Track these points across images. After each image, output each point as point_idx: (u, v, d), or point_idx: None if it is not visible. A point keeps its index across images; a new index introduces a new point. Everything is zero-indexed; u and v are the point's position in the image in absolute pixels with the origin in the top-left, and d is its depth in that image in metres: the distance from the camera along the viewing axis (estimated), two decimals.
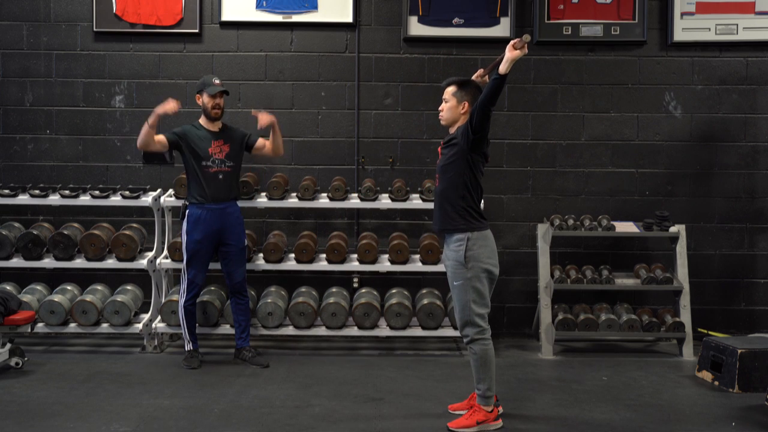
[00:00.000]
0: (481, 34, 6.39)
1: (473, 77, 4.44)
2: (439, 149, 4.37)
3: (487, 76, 4.29)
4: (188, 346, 5.47)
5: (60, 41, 6.47)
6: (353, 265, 5.95)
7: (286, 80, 6.48)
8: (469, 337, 4.13)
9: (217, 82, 5.45)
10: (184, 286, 5.44)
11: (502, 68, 3.92)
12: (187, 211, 5.41)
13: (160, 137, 5.35)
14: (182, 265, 5.47)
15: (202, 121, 5.48)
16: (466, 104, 4.24)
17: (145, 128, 5.27)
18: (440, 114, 4.35)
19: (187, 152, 5.40)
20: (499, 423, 4.22)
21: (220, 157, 5.43)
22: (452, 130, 4.31)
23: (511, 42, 3.93)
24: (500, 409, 4.35)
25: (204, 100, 5.43)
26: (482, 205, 5.90)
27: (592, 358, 5.86)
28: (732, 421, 4.37)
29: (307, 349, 6.02)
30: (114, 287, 6.12)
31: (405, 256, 5.87)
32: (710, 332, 6.17)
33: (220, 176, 5.43)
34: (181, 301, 5.45)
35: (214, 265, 5.79)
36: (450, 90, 4.29)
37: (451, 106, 4.28)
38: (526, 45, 3.92)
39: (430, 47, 6.46)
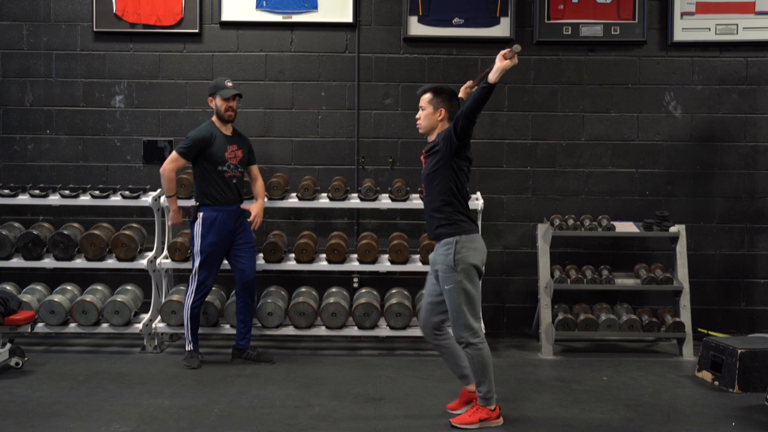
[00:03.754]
0: (481, 34, 6.39)
1: (462, 88, 4.46)
2: (422, 158, 4.34)
3: (475, 87, 4.27)
4: (189, 347, 5.45)
5: (60, 41, 6.47)
6: (353, 265, 5.95)
7: (286, 80, 6.48)
8: (464, 341, 4.14)
9: (230, 84, 5.45)
10: (193, 287, 5.40)
11: (492, 77, 3.92)
12: (200, 213, 5.37)
13: (181, 162, 5.36)
14: (193, 267, 5.40)
15: (216, 123, 5.46)
16: (443, 111, 4.22)
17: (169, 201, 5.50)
18: (417, 122, 4.33)
19: (203, 158, 5.36)
20: (500, 421, 4.24)
21: (234, 162, 5.44)
22: (431, 138, 4.29)
23: (502, 52, 3.94)
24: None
25: (217, 102, 5.41)
26: (481, 204, 5.93)
27: (592, 358, 5.86)
28: (732, 421, 4.37)
29: (307, 349, 6.02)
30: (114, 287, 6.12)
31: (405, 256, 5.87)
32: (710, 332, 6.17)
33: (234, 181, 5.45)
34: (188, 302, 5.41)
35: None
36: (426, 97, 4.27)
37: (427, 114, 4.25)
38: (516, 55, 3.94)
39: (430, 47, 6.46)
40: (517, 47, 3.93)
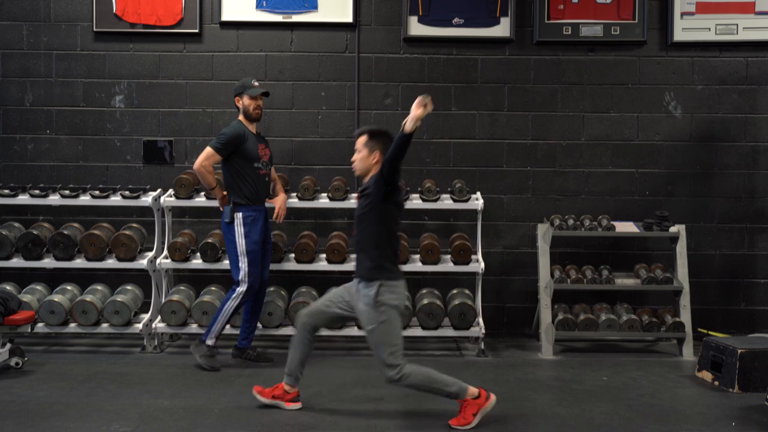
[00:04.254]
0: (481, 34, 6.39)
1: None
2: (356, 197, 4.38)
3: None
4: (211, 341, 5.36)
5: (60, 41, 6.47)
6: (353, 265, 5.92)
7: (286, 80, 6.48)
8: (392, 379, 4.18)
9: (257, 84, 5.48)
10: (243, 288, 5.32)
11: (408, 126, 3.93)
12: (240, 213, 5.34)
13: (216, 158, 5.30)
14: (241, 268, 5.31)
15: (244, 122, 5.45)
16: (378, 153, 4.25)
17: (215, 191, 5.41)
18: (353, 165, 4.37)
19: (239, 155, 5.33)
20: (493, 399, 4.21)
21: (265, 159, 5.48)
22: (366, 180, 4.34)
23: (417, 100, 3.96)
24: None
25: (245, 102, 5.43)
26: (481, 203, 5.92)
27: (592, 358, 5.86)
28: (732, 421, 4.37)
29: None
30: (114, 287, 6.12)
31: (405, 256, 5.86)
32: (710, 332, 6.17)
33: (266, 178, 5.50)
34: (234, 303, 5.32)
35: (216, 266, 5.81)
36: (361, 140, 4.32)
37: (363, 157, 4.30)
38: (429, 102, 3.96)
39: (430, 47, 6.46)
40: (427, 95, 3.96)
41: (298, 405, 4.50)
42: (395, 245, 4.28)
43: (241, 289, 5.33)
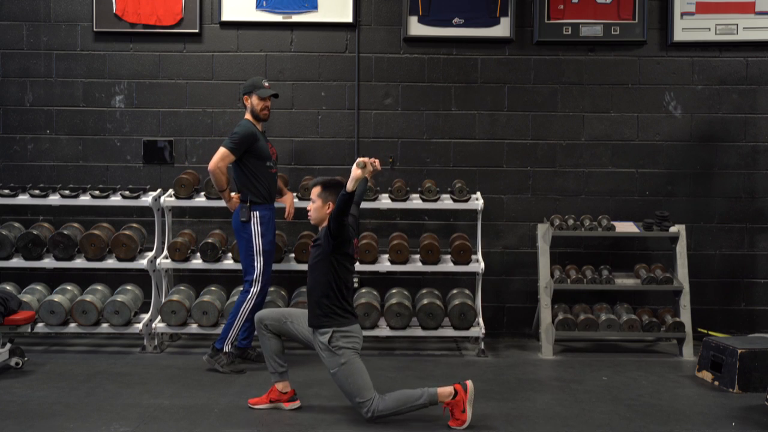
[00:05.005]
0: (481, 34, 6.39)
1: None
2: (309, 247, 4.48)
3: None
4: (228, 347, 5.32)
5: (60, 41, 6.47)
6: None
7: (286, 80, 6.48)
8: (367, 417, 4.21)
9: (267, 84, 5.47)
10: (257, 288, 5.31)
11: (349, 186, 4.10)
12: (257, 212, 5.32)
13: (231, 159, 5.27)
14: (256, 267, 5.30)
15: (251, 121, 5.43)
16: (331, 204, 4.35)
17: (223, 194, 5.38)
18: (309, 214, 4.48)
19: (252, 154, 5.32)
20: (470, 386, 4.20)
21: (274, 158, 5.51)
22: (320, 229, 4.43)
23: (357, 160, 4.12)
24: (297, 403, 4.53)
25: (253, 101, 5.41)
26: (481, 203, 5.92)
27: (592, 358, 5.86)
28: (732, 421, 4.37)
29: (307, 349, 6.00)
30: (114, 287, 6.12)
31: (405, 256, 5.87)
32: (710, 332, 6.18)
33: (276, 177, 5.52)
34: (249, 305, 5.30)
35: (216, 266, 5.81)
36: (315, 191, 4.43)
37: (317, 207, 4.42)
38: (369, 163, 4.14)
39: (430, 47, 6.46)
40: (363, 161, 4.12)
41: (296, 404, 4.51)
42: (345, 294, 4.36)
43: (255, 289, 5.33)
